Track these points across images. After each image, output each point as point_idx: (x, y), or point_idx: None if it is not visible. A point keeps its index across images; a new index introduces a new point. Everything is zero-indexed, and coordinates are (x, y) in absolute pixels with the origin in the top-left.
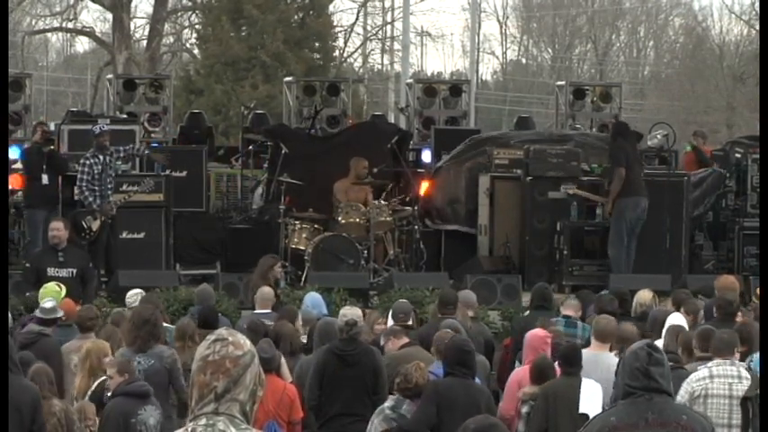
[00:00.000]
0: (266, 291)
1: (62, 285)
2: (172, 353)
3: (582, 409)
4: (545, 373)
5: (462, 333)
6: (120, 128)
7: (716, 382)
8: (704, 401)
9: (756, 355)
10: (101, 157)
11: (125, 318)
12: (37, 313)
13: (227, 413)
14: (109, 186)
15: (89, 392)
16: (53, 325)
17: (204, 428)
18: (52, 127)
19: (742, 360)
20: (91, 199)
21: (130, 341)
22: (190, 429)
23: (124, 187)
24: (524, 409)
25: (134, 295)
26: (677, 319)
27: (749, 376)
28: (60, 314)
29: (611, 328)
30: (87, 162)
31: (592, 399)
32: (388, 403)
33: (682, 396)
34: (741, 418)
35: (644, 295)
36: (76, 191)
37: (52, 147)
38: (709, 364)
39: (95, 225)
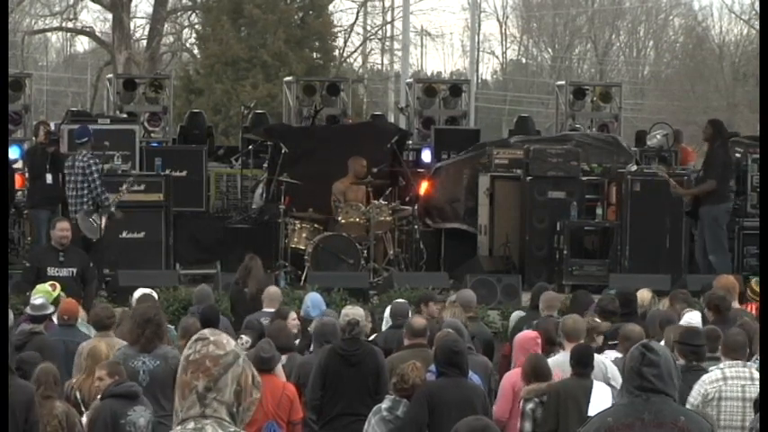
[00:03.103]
0: (273, 290)
1: (56, 285)
2: (176, 353)
3: (591, 412)
4: (539, 372)
5: (464, 333)
6: (120, 128)
7: (729, 384)
8: (718, 404)
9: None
10: (98, 159)
11: (127, 316)
12: (27, 311)
13: (215, 416)
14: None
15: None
16: (44, 321)
17: None
18: (52, 127)
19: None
20: (111, 198)
21: (133, 340)
22: None
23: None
24: (529, 406)
25: (138, 296)
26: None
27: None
28: (50, 310)
29: (579, 326)
30: (92, 162)
31: (602, 401)
32: (385, 404)
33: (695, 398)
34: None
35: (642, 295)
36: (95, 191)
37: (55, 147)
38: (721, 365)
39: (103, 224)
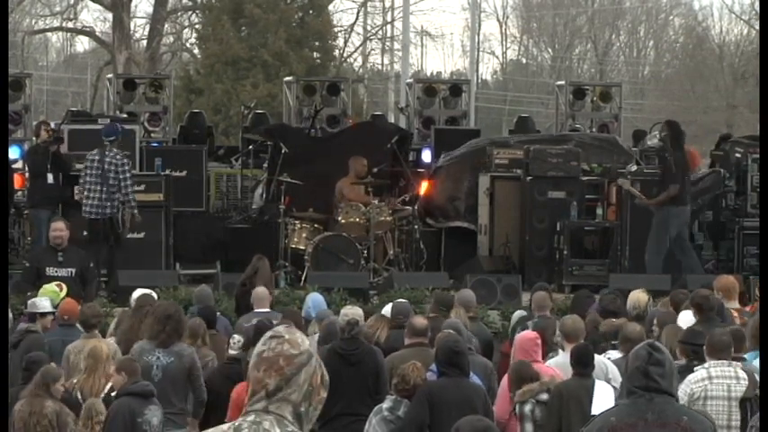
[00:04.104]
0: (261, 290)
1: (63, 285)
2: (192, 351)
3: (594, 411)
4: (525, 378)
5: (464, 333)
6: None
7: (715, 383)
8: (704, 403)
9: (746, 355)
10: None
11: (126, 316)
12: (25, 310)
13: (277, 413)
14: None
15: (103, 394)
16: (37, 319)
17: (250, 425)
18: (52, 126)
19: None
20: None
21: (153, 335)
22: (236, 424)
23: None
24: (527, 408)
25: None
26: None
27: (746, 377)
28: (46, 309)
29: (578, 326)
30: (127, 161)
31: (605, 400)
32: (385, 404)
33: (680, 398)
34: (740, 419)
35: (638, 297)
36: (126, 189)
37: (57, 146)
38: (706, 364)
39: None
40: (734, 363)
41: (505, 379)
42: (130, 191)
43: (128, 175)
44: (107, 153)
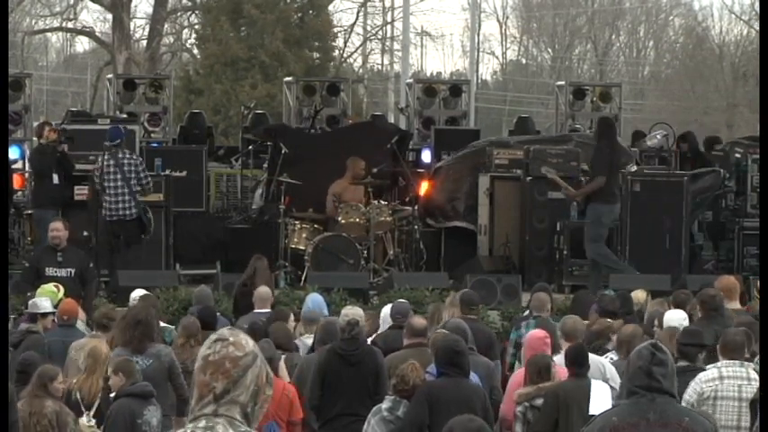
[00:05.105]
0: (263, 290)
1: (60, 286)
2: (169, 351)
3: (592, 411)
4: (543, 372)
5: (467, 333)
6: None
7: (725, 383)
8: (713, 403)
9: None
10: None
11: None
12: (25, 310)
13: (227, 415)
14: None
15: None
16: (38, 319)
17: (203, 431)
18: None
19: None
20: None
21: (125, 341)
22: (189, 431)
23: None
24: (518, 409)
25: (139, 296)
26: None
27: (757, 378)
28: (47, 309)
29: (578, 326)
30: (141, 160)
31: (603, 399)
32: (385, 404)
33: (690, 396)
34: (750, 420)
35: (636, 295)
36: (148, 186)
37: (66, 146)
38: (719, 364)
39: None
40: (746, 363)
41: (513, 379)
42: (150, 179)
43: (147, 172)
44: (120, 156)
